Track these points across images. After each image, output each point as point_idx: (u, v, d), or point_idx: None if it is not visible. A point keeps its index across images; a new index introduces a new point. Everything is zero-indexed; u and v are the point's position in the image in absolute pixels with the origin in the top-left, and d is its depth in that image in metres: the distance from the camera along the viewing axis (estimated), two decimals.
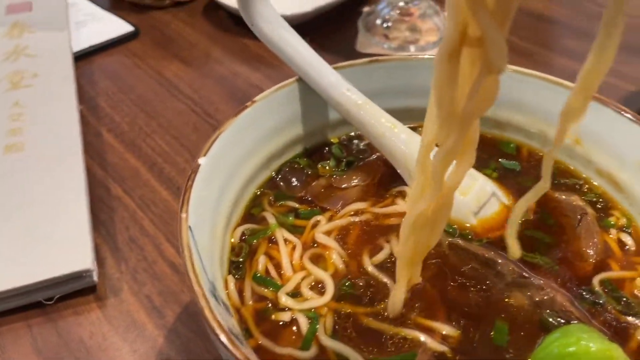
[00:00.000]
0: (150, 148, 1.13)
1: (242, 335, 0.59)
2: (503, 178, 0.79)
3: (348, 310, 0.63)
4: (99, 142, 1.15)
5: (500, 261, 0.67)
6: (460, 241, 0.69)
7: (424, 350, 0.57)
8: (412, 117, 0.84)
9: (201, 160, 0.65)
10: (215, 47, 1.41)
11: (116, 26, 1.44)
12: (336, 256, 0.68)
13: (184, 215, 0.59)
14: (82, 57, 1.34)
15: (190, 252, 0.55)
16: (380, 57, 0.83)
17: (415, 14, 1.44)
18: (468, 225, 0.72)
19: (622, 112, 0.73)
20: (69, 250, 0.87)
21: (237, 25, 1.44)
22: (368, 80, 0.82)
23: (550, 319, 0.61)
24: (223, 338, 0.48)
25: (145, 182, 1.06)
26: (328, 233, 0.71)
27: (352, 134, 0.85)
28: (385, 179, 0.78)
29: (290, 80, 0.78)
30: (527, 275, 0.65)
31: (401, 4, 1.43)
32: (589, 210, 0.73)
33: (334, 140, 0.85)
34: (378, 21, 1.46)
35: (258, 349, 0.59)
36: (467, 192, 0.72)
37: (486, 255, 0.67)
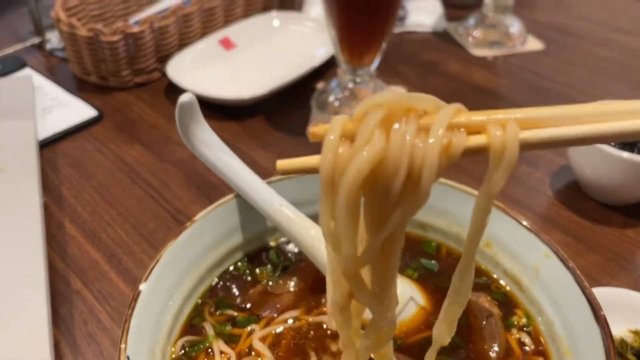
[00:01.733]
0: (110, 238, 1.20)
1: None
2: (422, 278, 0.87)
3: None
4: (61, 234, 1.22)
5: None
6: None
7: None
8: None
9: (142, 287, 0.73)
10: (174, 129, 1.49)
11: (81, 111, 1.52)
12: None
13: (122, 345, 0.66)
14: (47, 145, 1.42)
15: None
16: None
17: (364, 94, 1.55)
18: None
19: (521, 222, 0.83)
20: (27, 346, 0.93)
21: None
22: (301, 190, 0.90)
23: None
24: None
25: (103, 274, 1.13)
26: (263, 339, 0.79)
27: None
28: (318, 284, 0.86)
29: (229, 196, 0.87)
30: None
31: (350, 85, 1.53)
32: (495, 310, 0.82)
33: (272, 243, 0.93)
34: (330, 98, 1.56)
35: None
36: None
37: None
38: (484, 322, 0.80)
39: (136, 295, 0.72)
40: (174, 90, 1.60)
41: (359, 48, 1.45)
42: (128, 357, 0.65)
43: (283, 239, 0.94)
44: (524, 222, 0.82)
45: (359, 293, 0.50)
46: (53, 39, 1.82)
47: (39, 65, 1.73)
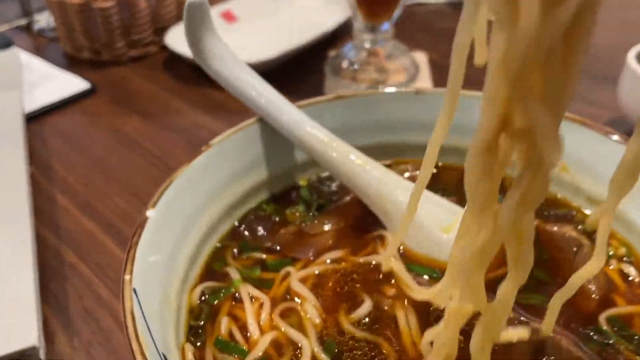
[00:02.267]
0: (107, 209, 1.05)
1: None
2: None
3: None
4: (52, 207, 1.06)
5: None
6: None
7: None
8: (385, 154, 0.78)
9: (149, 213, 0.58)
10: (175, 98, 1.35)
11: (71, 84, 1.38)
12: (311, 310, 0.60)
13: (127, 277, 0.51)
14: (34, 118, 1.27)
15: (134, 319, 0.47)
16: (344, 93, 0.77)
17: (382, 55, 1.42)
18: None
19: (609, 135, 0.68)
20: (12, 326, 0.77)
21: (199, 77, 1.39)
22: (333, 117, 0.76)
23: None
24: None
25: (101, 246, 0.97)
26: (303, 281, 0.63)
27: (323, 175, 0.79)
28: (361, 222, 0.71)
29: (250, 120, 0.72)
30: (525, 319, 0.58)
31: (367, 45, 1.40)
32: (584, 241, 0.67)
33: (302, 182, 0.78)
34: (345, 64, 1.43)
35: None
36: (450, 228, 0.66)
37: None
38: (574, 253, 0.65)
39: (142, 221, 0.56)
40: (174, 64, 1.47)
41: (377, 1, 1.32)
42: (135, 291, 0.50)
43: (315, 177, 0.78)
44: (615, 137, 0.68)
45: (528, 98, 0.33)
46: (41, 21, 1.69)
47: (27, 45, 1.59)
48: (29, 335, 0.76)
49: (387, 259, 0.63)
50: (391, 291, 0.63)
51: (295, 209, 0.73)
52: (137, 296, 0.49)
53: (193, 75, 1.41)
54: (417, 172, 0.63)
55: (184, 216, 0.62)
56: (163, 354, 0.49)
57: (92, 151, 1.20)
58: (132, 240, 0.54)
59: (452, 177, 0.78)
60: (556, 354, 0.54)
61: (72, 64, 1.50)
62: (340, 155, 0.69)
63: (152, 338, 0.48)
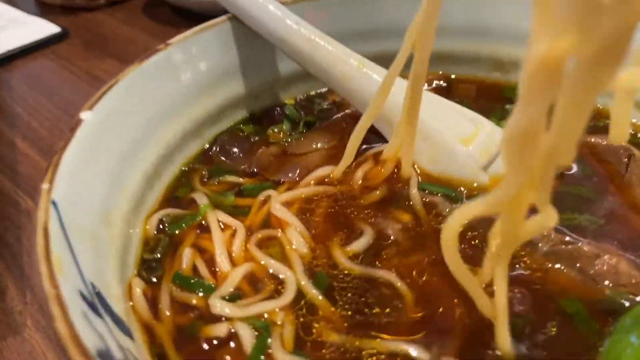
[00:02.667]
0: None
1: None
2: None
3: (317, 318, 0.42)
4: (11, 153, 0.94)
5: None
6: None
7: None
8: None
9: (85, 115, 0.45)
10: (155, 41, 1.22)
11: (41, 28, 1.25)
12: (297, 238, 0.47)
13: (45, 186, 0.38)
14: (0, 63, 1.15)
15: (48, 237, 0.35)
16: None
17: None
18: (476, 184, 0.52)
19: None
20: None
21: (180, 19, 1.26)
22: (325, 20, 0.62)
23: (617, 297, 0.41)
24: None
25: None
26: (286, 206, 0.51)
27: (313, 92, 0.66)
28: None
29: (221, 18, 0.59)
30: (571, 239, 0.45)
31: None
32: (636, 151, 0.53)
33: (288, 101, 0.65)
34: None
35: None
36: (471, 140, 0.53)
37: None
38: (625, 164, 0.52)
39: (75, 124, 0.44)
40: (154, 8, 1.33)
41: None
42: (55, 204, 0.37)
43: (303, 96, 0.65)
44: None
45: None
46: None
47: None
48: None
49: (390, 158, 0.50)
50: (407, 216, 0.50)
51: (279, 128, 0.61)
52: (57, 210, 0.37)
53: (174, 18, 1.28)
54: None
55: (134, 126, 0.50)
56: (92, 284, 0.36)
57: (61, 95, 1.07)
58: (60, 145, 0.41)
59: (467, 90, 0.65)
60: (614, 279, 0.42)
61: (45, 11, 1.37)
62: (332, 56, 0.56)
63: (77, 264, 0.36)
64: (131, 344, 0.37)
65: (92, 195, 0.42)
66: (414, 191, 0.50)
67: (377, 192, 0.52)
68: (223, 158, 0.57)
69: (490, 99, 0.63)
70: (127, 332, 0.37)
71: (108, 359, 0.30)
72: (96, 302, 0.35)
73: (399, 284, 0.43)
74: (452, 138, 0.52)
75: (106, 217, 0.43)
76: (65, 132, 0.90)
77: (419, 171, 0.53)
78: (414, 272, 0.44)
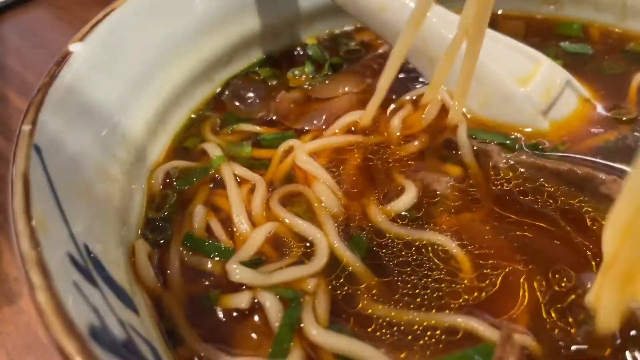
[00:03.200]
0: None
1: (162, 343, 0.32)
2: (570, 66, 0.50)
3: (356, 287, 0.35)
4: (3, 107, 0.87)
5: (603, 177, 0.39)
6: (526, 157, 0.41)
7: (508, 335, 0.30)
8: None
9: (74, 47, 0.38)
10: None
11: None
12: (327, 195, 0.40)
13: (26, 127, 0.31)
14: None
15: (29, 188, 0.27)
16: None
17: None
18: (534, 131, 0.44)
19: None
20: None
21: None
22: None
23: None
24: (67, 348, 0.21)
25: None
26: (313, 157, 0.44)
27: (338, 31, 0.58)
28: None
29: None
30: None
31: None
32: None
33: (310, 41, 0.57)
34: None
35: None
36: (528, 80, 0.45)
37: (579, 172, 0.40)
38: None
39: (62, 56, 0.36)
40: None
41: None
42: (38, 149, 0.30)
43: (326, 36, 0.58)
44: None
45: None
46: None
47: None
48: None
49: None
50: (451, 169, 0.43)
51: (300, 71, 0.53)
52: (41, 157, 0.30)
53: None
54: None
55: (134, 63, 0.42)
56: (85, 246, 0.29)
57: (57, 46, 0.99)
58: (43, 81, 0.34)
59: (515, 28, 0.57)
60: None
61: None
62: None
63: (66, 222, 0.29)
64: (135, 319, 0.30)
65: (84, 142, 0.35)
66: (463, 139, 0.43)
67: (417, 142, 0.45)
68: (237, 104, 0.49)
69: (542, 36, 0.55)
70: (130, 304, 0.31)
71: (104, 337, 0.23)
72: (90, 269, 0.28)
73: (452, 247, 0.36)
74: (508, 78, 0.45)
75: (103, 169, 0.36)
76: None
77: (469, 117, 0.46)
78: (468, 233, 0.37)
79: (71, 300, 0.24)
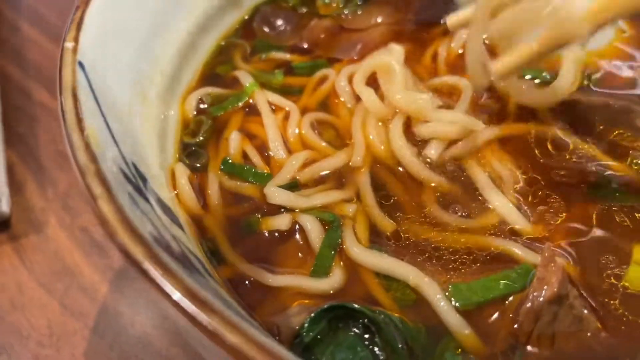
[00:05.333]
0: None
1: (205, 261, 0.32)
2: None
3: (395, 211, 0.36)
4: (17, 39, 0.85)
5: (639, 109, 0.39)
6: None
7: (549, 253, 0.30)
8: None
9: None
10: None
11: None
12: (375, 105, 0.40)
13: (69, 44, 0.31)
14: None
15: (77, 102, 0.27)
16: None
17: None
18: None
19: None
20: None
21: None
22: None
23: None
24: (147, 265, 0.21)
25: None
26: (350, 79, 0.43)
27: None
28: (425, 12, 0.49)
29: None
30: None
31: None
32: None
33: None
34: None
35: (236, 282, 0.32)
36: None
37: (615, 105, 0.39)
38: None
39: None
40: None
41: None
42: (82, 66, 0.30)
43: None
44: None
45: None
46: None
47: None
48: None
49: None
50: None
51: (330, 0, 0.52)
52: (85, 74, 0.30)
53: None
54: None
55: None
56: (133, 164, 0.30)
57: None
58: None
59: None
60: None
61: None
62: None
63: (114, 139, 0.29)
64: (183, 235, 0.31)
65: (123, 64, 0.35)
66: None
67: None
68: (267, 30, 0.49)
69: None
70: (177, 222, 0.31)
71: (163, 246, 0.24)
72: (140, 185, 0.29)
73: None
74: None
75: (141, 91, 0.36)
76: None
77: None
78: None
79: (131, 210, 0.24)
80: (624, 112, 0.39)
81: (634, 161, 0.37)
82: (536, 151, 0.38)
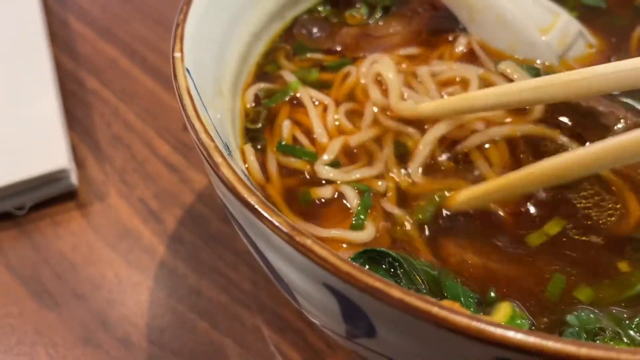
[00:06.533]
0: (128, 35, 0.94)
1: None
2: (585, 19, 0.61)
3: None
4: (66, 32, 0.95)
5: (601, 109, 0.50)
6: None
7: None
8: None
9: None
10: None
11: None
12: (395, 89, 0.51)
13: (177, 54, 0.41)
14: None
15: (192, 98, 0.38)
16: None
17: None
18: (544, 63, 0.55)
19: None
20: (39, 148, 0.70)
21: None
22: None
23: None
24: (253, 201, 0.32)
25: (125, 72, 0.88)
26: (366, 76, 0.54)
27: None
28: (434, 24, 0.60)
29: None
30: None
31: None
32: None
33: None
34: None
35: None
36: (549, 30, 0.55)
37: (584, 105, 0.51)
38: None
39: (188, 0, 0.46)
40: None
41: None
42: (188, 71, 0.41)
43: None
44: None
45: None
46: None
47: None
48: (59, 157, 0.69)
49: None
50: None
51: (356, 11, 0.63)
52: (191, 77, 0.41)
53: None
54: None
55: (232, 4, 0.52)
56: (226, 145, 0.41)
57: None
58: (179, 18, 0.44)
59: None
60: None
61: None
62: None
63: (214, 126, 0.40)
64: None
65: (208, 66, 0.46)
66: None
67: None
68: (305, 35, 0.60)
69: None
70: (255, 189, 0.43)
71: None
72: (233, 160, 0.40)
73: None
74: (533, 27, 0.55)
75: (219, 88, 0.47)
76: (119, 13, 0.92)
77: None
78: None
79: (237, 172, 0.35)
80: (590, 113, 0.50)
81: None
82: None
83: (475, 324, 0.27)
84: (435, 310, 0.28)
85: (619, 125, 0.49)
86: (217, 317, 0.60)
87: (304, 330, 0.58)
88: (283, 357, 0.57)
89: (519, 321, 0.39)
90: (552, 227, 0.43)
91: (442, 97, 0.52)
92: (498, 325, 0.27)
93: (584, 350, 0.27)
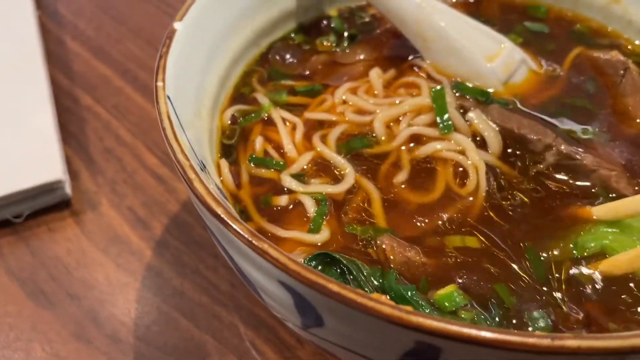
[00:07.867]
0: (121, 54, 1.01)
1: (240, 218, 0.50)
2: (529, 42, 0.68)
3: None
4: (62, 51, 1.02)
5: (531, 137, 0.56)
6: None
7: None
8: None
9: (177, 25, 0.54)
10: None
11: None
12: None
13: (159, 83, 0.48)
14: None
15: (172, 123, 0.45)
16: None
17: None
18: (492, 90, 0.62)
19: None
20: (36, 161, 0.76)
21: None
22: None
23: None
24: (220, 212, 0.38)
25: (117, 90, 0.94)
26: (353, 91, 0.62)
27: (354, 5, 0.74)
28: (396, 52, 0.67)
29: None
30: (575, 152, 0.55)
31: None
32: (631, 64, 0.63)
33: (333, 13, 0.73)
34: None
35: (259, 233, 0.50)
36: (494, 58, 0.62)
37: (517, 132, 0.57)
38: (621, 76, 0.62)
39: (171, 32, 0.52)
40: None
41: None
42: (169, 98, 0.47)
43: (346, 8, 0.73)
44: None
45: None
46: None
47: None
48: (54, 169, 0.75)
49: None
50: None
51: (326, 39, 0.69)
52: (171, 103, 0.47)
53: None
54: None
55: (211, 35, 0.58)
56: (202, 161, 0.47)
57: None
58: (162, 50, 0.51)
59: (493, 8, 0.73)
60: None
61: None
62: None
63: (190, 144, 0.46)
64: (227, 203, 0.48)
65: (188, 93, 0.52)
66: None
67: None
68: (278, 62, 0.66)
69: (515, 13, 0.72)
70: (224, 196, 0.49)
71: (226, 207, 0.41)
72: (207, 175, 0.46)
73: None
74: (479, 55, 0.61)
75: (198, 111, 0.53)
76: (113, 34, 0.99)
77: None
78: None
79: (207, 183, 0.41)
80: (522, 138, 0.56)
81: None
82: None
83: (396, 312, 0.34)
84: (364, 300, 0.34)
85: (548, 153, 0.55)
86: (198, 316, 0.66)
87: (276, 327, 0.64)
88: (257, 352, 0.63)
89: (456, 296, 0.45)
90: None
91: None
92: (414, 313, 0.34)
93: (483, 334, 0.33)
